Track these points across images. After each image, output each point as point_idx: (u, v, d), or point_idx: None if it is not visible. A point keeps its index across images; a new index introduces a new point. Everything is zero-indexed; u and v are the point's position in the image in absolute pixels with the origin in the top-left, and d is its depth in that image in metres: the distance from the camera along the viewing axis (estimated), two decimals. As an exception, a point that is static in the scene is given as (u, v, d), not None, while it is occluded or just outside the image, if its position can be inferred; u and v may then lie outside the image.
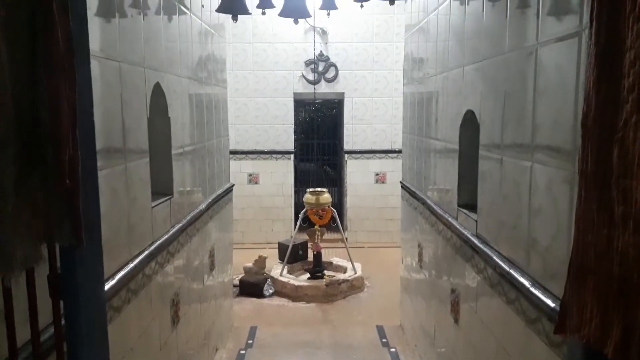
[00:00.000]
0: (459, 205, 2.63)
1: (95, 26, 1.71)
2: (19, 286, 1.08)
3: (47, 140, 0.95)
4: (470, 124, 2.48)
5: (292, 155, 7.28)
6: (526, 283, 1.72)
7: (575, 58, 1.45)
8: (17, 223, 0.88)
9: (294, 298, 5.21)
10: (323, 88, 7.06)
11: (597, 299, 1.02)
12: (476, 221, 2.33)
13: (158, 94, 2.43)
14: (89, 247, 1.15)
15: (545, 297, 1.60)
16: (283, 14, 3.12)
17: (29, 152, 0.92)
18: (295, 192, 7.42)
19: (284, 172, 7.22)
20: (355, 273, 5.58)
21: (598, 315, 1.02)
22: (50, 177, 0.98)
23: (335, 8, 3.57)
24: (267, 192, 7.21)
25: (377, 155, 7.18)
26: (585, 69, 1.29)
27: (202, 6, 3.28)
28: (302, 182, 7.66)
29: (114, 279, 1.81)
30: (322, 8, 3.56)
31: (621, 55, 0.98)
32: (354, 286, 5.42)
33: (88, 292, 1.25)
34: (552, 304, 1.55)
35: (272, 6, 3.20)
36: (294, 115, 7.23)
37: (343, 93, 7.11)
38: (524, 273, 1.78)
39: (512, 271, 1.85)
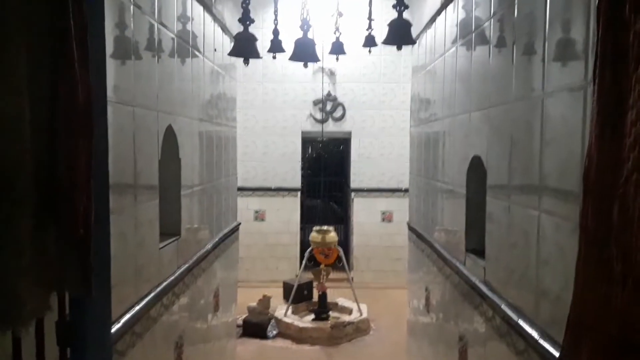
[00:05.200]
0: (466, 250, 2.62)
1: (110, 71, 1.76)
2: (28, 332, 1.08)
3: (62, 192, 0.97)
4: (477, 169, 2.49)
5: (299, 192, 7.30)
6: (535, 335, 1.69)
7: (582, 110, 1.47)
8: (30, 275, 0.89)
9: (298, 340, 5.12)
10: (331, 127, 7.14)
11: (596, 358, 1.00)
12: (484, 268, 2.31)
13: (170, 136, 2.48)
14: (97, 294, 1.16)
15: (555, 350, 1.57)
16: (293, 58, 3.21)
17: (45, 205, 0.94)
18: (301, 229, 7.40)
19: (290, 209, 7.23)
20: (361, 315, 5.49)
21: (597, 375, 1.00)
22: (63, 227, 0.99)
23: (344, 53, 3.66)
24: (273, 229, 7.20)
25: (384, 194, 7.18)
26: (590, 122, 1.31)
27: (215, 50, 3.38)
28: (308, 219, 7.65)
29: (119, 322, 1.80)
30: (331, 53, 3.66)
31: (623, 113, 1.00)
32: (360, 329, 5.33)
33: (95, 339, 1.24)
34: (562, 357, 1.52)
35: (282, 50, 3.29)
36: (301, 152, 7.30)
37: (350, 132, 7.19)
38: (533, 323, 1.75)
39: (520, 321, 1.82)
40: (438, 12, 3.31)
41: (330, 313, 5.54)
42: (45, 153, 0.92)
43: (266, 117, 7.11)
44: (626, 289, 0.93)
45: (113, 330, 1.71)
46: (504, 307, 2.00)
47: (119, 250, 1.83)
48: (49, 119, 0.94)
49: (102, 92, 1.22)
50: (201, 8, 3.03)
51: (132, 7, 1.96)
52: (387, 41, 2.76)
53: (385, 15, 2.81)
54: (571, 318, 1.06)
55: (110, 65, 1.76)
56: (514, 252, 1.97)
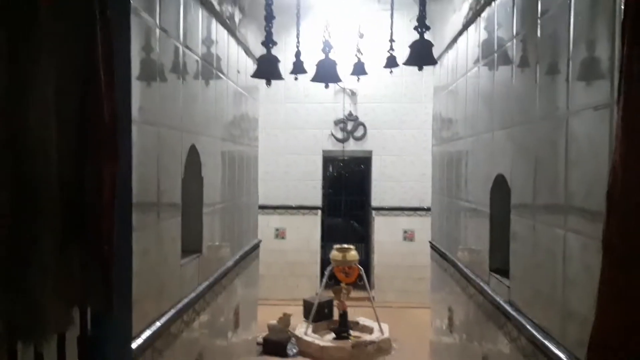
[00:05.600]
0: (490, 270, 2.57)
1: (136, 92, 1.80)
2: (50, 347, 1.10)
3: (87, 211, 1.00)
4: (501, 187, 2.46)
5: (320, 211, 7.30)
6: (562, 356, 1.64)
7: (607, 129, 1.45)
8: (54, 291, 0.91)
9: (319, 359, 5.06)
10: (352, 146, 7.16)
11: None
12: (509, 287, 2.27)
13: (193, 155, 2.52)
14: (119, 310, 1.17)
15: (584, 374, 1.52)
16: (315, 79, 3.24)
17: (70, 223, 0.96)
18: (322, 247, 7.37)
19: (311, 227, 7.22)
20: (383, 334, 5.41)
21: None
22: (87, 245, 1.01)
23: (365, 74, 3.69)
24: (293, 247, 7.20)
25: (405, 212, 7.12)
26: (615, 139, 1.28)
27: (238, 72, 3.44)
28: (328, 237, 7.62)
29: (140, 338, 1.81)
30: (352, 74, 3.69)
31: None
32: (381, 349, 5.24)
33: (116, 355, 1.25)
34: (591, 383, 1.47)
35: (304, 72, 3.33)
36: (322, 170, 7.32)
37: (371, 151, 7.19)
38: (559, 345, 1.70)
39: (547, 342, 1.77)
40: (460, 33, 3.31)
41: (351, 332, 5.47)
42: (71, 173, 0.95)
43: (288, 137, 7.17)
44: None
45: (134, 345, 1.72)
46: (529, 327, 1.95)
47: (141, 267, 1.85)
48: (75, 141, 0.97)
49: (127, 113, 1.25)
50: (225, 32, 3.10)
51: (158, 30, 2.01)
52: (409, 62, 2.76)
53: (406, 35, 2.82)
54: (593, 338, 1.03)
55: (136, 86, 1.81)
56: (540, 272, 1.93)
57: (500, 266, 2.51)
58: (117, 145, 1.03)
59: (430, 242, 4.34)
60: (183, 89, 2.33)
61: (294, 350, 5.21)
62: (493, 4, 2.62)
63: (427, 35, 2.60)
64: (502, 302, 2.30)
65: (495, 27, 2.57)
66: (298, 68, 3.30)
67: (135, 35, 1.76)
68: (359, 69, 3.67)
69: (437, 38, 3.89)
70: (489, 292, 2.50)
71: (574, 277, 1.65)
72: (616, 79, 1.40)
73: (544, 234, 1.90)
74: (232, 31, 3.22)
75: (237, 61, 3.43)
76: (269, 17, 2.70)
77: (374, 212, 7.22)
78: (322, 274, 6.32)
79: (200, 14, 2.59)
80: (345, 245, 5.68)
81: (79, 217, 0.98)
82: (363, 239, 7.84)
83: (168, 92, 2.16)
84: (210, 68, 2.80)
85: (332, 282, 5.84)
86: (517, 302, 2.18)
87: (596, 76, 1.55)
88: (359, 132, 7.15)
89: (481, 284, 2.66)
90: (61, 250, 0.94)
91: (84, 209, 0.97)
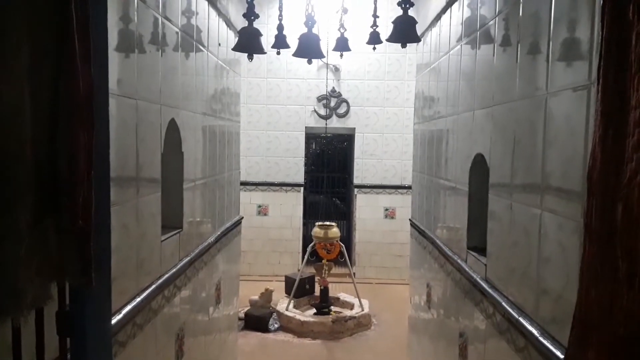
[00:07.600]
0: (468, 248, 2.62)
1: (114, 64, 1.76)
2: (27, 322, 1.09)
3: (63, 183, 0.98)
4: (480, 166, 2.49)
5: (302, 188, 7.31)
6: (535, 332, 1.69)
7: (585, 110, 1.47)
8: (30, 265, 0.90)
9: (300, 334, 5.14)
10: (334, 123, 7.14)
11: (601, 357, 1.00)
12: (485, 265, 2.32)
13: (173, 129, 2.48)
14: (98, 285, 1.17)
15: (555, 347, 1.57)
16: (297, 54, 3.20)
17: (44, 196, 0.95)
18: (304, 224, 7.41)
19: (293, 204, 7.24)
20: (363, 310, 5.51)
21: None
22: (63, 218, 1.00)
23: (349, 50, 3.65)
24: (275, 223, 7.22)
25: (387, 190, 7.18)
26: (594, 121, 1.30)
27: (219, 45, 3.37)
28: (311, 214, 7.66)
29: (120, 313, 1.81)
30: (335, 49, 3.65)
31: (626, 113, 0.99)
32: (361, 324, 5.34)
33: (95, 329, 1.25)
34: (561, 355, 1.52)
35: (287, 46, 3.28)
36: (305, 147, 7.30)
37: (354, 128, 7.19)
38: (533, 321, 1.76)
39: (521, 319, 1.82)
40: (443, 10, 3.29)
41: (332, 308, 5.56)
42: (46, 145, 0.93)
43: (270, 113, 7.12)
44: (632, 289, 0.93)
45: (114, 321, 1.72)
46: (504, 304, 2.00)
47: (120, 242, 1.84)
48: (49, 111, 0.94)
49: (104, 85, 1.22)
50: (206, 3, 3.03)
51: (136, 0, 1.96)
52: (392, 38, 2.75)
53: (390, 12, 2.80)
54: (576, 317, 1.06)
55: (114, 58, 1.77)
56: (516, 250, 1.97)
57: (477, 244, 2.56)
58: (92, 117, 1.01)
59: (410, 220, 4.39)
60: (162, 61, 2.28)
61: (276, 325, 5.27)
62: (477, -19, 2.61)
63: (410, 12, 2.59)
64: (478, 280, 2.35)
65: (479, 4, 2.56)
66: (280, 42, 3.26)
67: (112, 4, 1.70)
68: (342, 45, 3.64)
69: (421, 15, 3.86)
70: (466, 269, 2.55)
71: (548, 255, 1.69)
72: (595, 60, 1.41)
73: (520, 213, 1.94)
74: (212, 2, 3.15)
75: (218, 33, 3.37)
76: (251, -11, 2.65)
77: (355, 190, 7.26)
78: (304, 251, 6.37)
79: (180, -16, 2.52)
80: (327, 223, 5.73)
81: (54, 190, 0.97)
82: (345, 216, 7.91)
83: (146, 64, 2.11)
84: (190, 40, 2.74)
85: (314, 258, 5.90)
86: (493, 279, 2.23)
87: (575, 57, 1.56)
88: (342, 109, 7.13)
89: (459, 261, 2.71)
90: (36, 223, 0.92)
91: (58, 181, 0.96)
